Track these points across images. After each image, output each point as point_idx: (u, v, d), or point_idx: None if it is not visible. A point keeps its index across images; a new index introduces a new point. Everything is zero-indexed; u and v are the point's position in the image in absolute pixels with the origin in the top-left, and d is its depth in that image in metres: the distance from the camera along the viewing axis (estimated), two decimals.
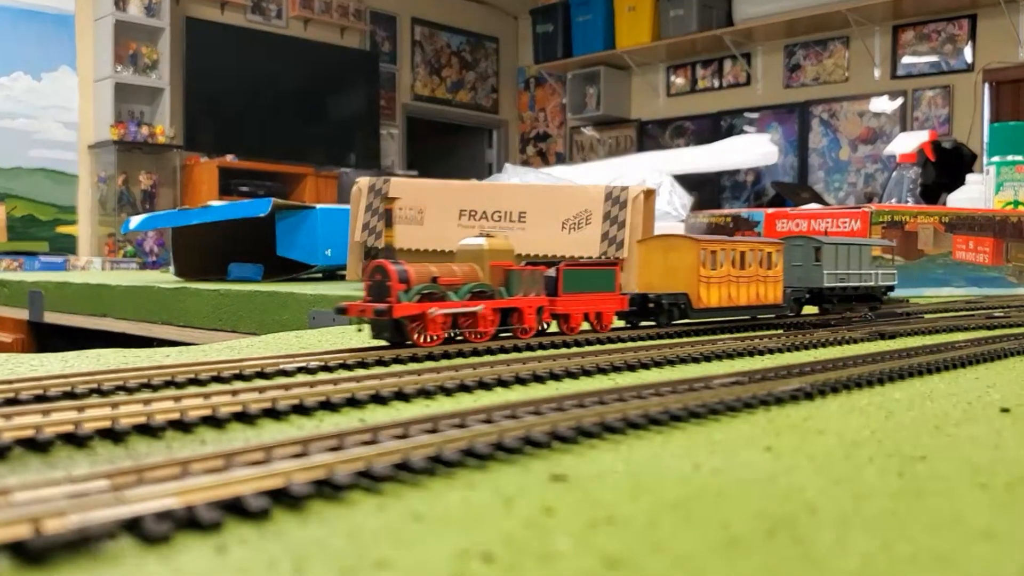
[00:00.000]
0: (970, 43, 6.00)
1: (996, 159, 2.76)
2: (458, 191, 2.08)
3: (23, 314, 2.67)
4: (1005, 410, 0.71)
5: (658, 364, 0.94)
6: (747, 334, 1.23)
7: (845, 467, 0.52)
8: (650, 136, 7.70)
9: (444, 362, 0.94)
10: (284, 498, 0.43)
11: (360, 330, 1.04)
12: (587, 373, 0.87)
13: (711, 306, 1.27)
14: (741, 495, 0.46)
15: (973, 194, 2.90)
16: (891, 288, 1.63)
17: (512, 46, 8.85)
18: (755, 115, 7.10)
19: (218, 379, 0.79)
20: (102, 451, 0.55)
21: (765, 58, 7.02)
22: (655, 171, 3.39)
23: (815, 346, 1.13)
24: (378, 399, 0.71)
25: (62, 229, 6.12)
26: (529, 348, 1.04)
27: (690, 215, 2.90)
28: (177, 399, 0.64)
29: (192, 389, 0.75)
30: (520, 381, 0.82)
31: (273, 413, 0.65)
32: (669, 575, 0.35)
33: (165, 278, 2.67)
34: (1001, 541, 0.40)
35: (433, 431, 0.54)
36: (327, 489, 0.45)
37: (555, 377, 0.84)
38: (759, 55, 7.05)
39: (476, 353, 0.99)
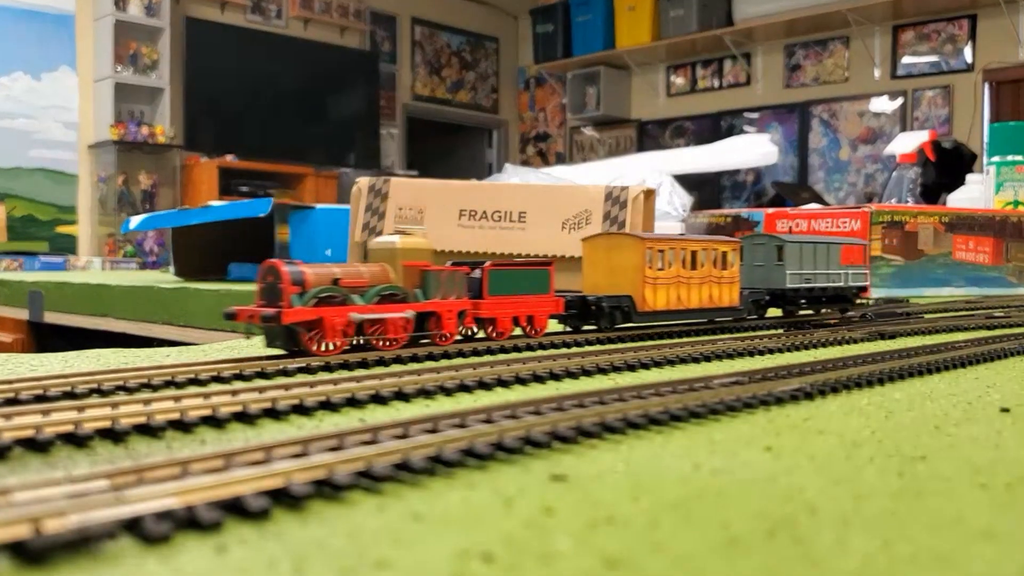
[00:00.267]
0: (970, 43, 6.00)
1: (996, 159, 2.76)
2: (458, 191, 2.08)
3: (23, 314, 2.67)
4: (1005, 410, 0.71)
5: (658, 364, 0.94)
6: (747, 334, 1.23)
7: (845, 467, 0.52)
8: (650, 136, 7.70)
9: (444, 362, 0.94)
10: (284, 498, 0.43)
11: (248, 337, 0.99)
12: (587, 373, 0.87)
13: (658, 309, 1.20)
14: (741, 495, 0.46)
15: (973, 194, 2.90)
16: (863, 289, 1.56)
17: (512, 46, 8.85)
18: (755, 115, 7.10)
19: (218, 379, 0.79)
20: (102, 451, 0.55)
21: (765, 58, 7.02)
22: (655, 171, 3.39)
23: (815, 346, 1.13)
24: (378, 399, 0.71)
25: (62, 229, 6.12)
26: (529, 348, 1.04)
27: (690, 215, 2.90)
28: (177, 399, 0.64)
29: (192, 389, 0.75)
30: (520, 381, 0.82)
31: (273, 413, 0.65)
32: (669, 575, 0.35)
33: (165, 278, 2.67)
34: (1001, 541, 0.40)
35: (433, 431, 0.54)
36: (327, 489, 0.45)
37: (555, 377, 0.84)
38: (759, 55, 7.05)
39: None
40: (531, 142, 8.80)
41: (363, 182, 2.15)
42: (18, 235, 5.95)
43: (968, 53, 6.01)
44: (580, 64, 7.82)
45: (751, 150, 4.28)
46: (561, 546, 0.38)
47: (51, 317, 2.55)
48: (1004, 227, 2.28)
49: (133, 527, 0.38)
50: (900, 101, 6.34)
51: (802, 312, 1.48)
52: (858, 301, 1.56)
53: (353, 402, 0.69)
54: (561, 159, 8.25)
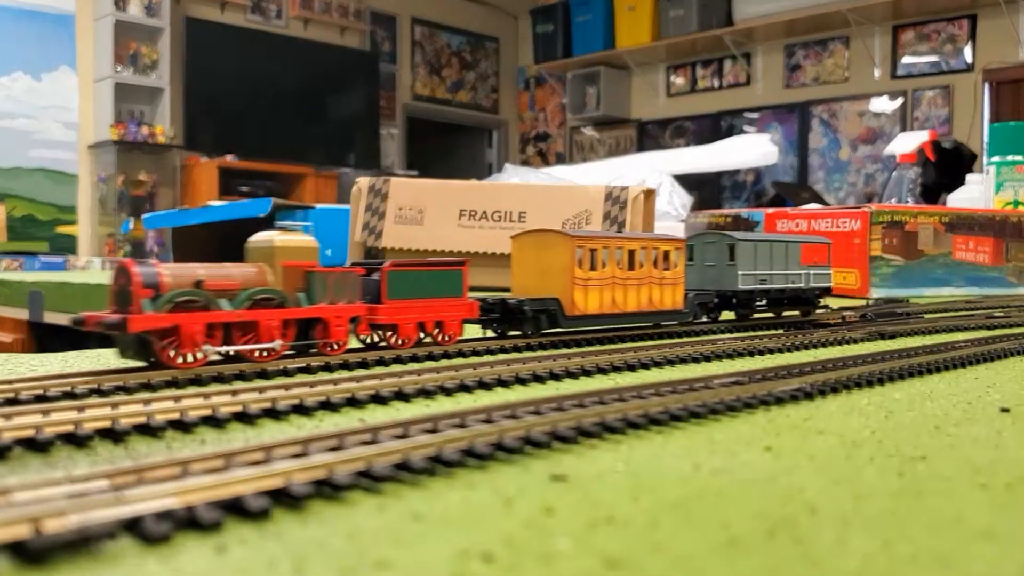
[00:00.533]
0: (970, 43, 6.00)
1: (996, 159, 2.76)
2: (458, 191, 2.09)
3: (23, 314, 2.67)
4: (1005, 410, 0.71)
5: (658, 364, 0.94)
6: (747, 334, 1.23)
7: (845, 467, 0.52)
8: (650, 136, 7.70)
9: (444, 362, 0.94)
10: (284, 498, 0.43)
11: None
12: (587, 373, 0.87)
13: (589, 313, 1.11)
14: (741, 495, 0.46)
15: (973, 194, 2.90)
16: (826, 291, 1.47)
17: (512, 46, 8.85)
18: (755, 115, 7.10)
19: (218, 379, 0.79)
20: (102, 451, 0.55)
21: (765, 58, 7.02)
22: (655, 171, 3.39)
23: (815, 346, 1.13)
24: (378, 399, 0.71)
25: (62, 229, 6.12)
26: (529, 348, 1.04)
27: (690, 215, 2.90)
28: (177, 399, 0.64)
29: (192, 389, 0.75)
30: (520, 381, 0.82)
31: (273, 413, 0.65)
32: (669, 575, 0.35)
33: None
34: (1001, 541, 0.40)
35: (433, 431, 0.54)
36: (327, 489, 0.45)
37: (555, 377, 0.84)
38: (759, 55, 7.05)
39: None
40: (531, 142, 8.80)
41: (363, 182, 2.15)
42: (18, 235, 5.95)
43: (968, 53, 6.01)
44: (580, 64, 7.82)
45: (751, 150, 4.28)
46: (561, 546, 0.38)
47: (51, 317, 2.55)
48: (1004, 227, 2.28)
49: (133, 527, 0.38)
50: (900, 101, 6.34)
51: (757, 316, 1.40)
52: (820, 303, 1.48)
53: (353, 402, 0.69)
54: (561, 159, 8.26)
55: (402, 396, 0.73)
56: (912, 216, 2.16)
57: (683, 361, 0.97)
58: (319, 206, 2.50)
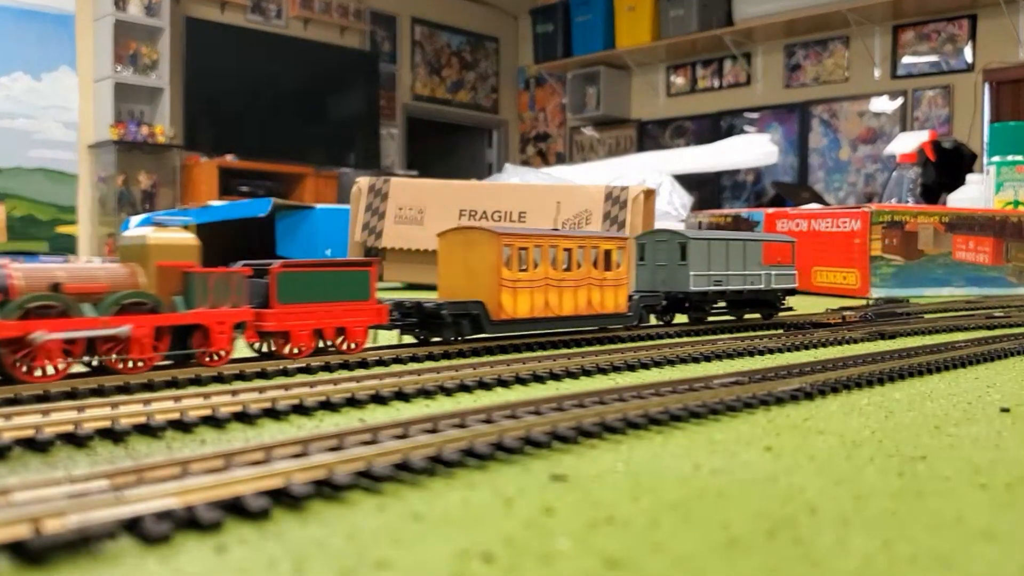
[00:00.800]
0: (970, 43, 5.99)
1: (996, 159, 2.76)
2: (458, 191, 2.08)
3: None
4: (1005, 410, 0.71)
5: (658, 364, 0.94)
6: (747, 334, 1.23)
7: (845, 467, 0.52)
8: (650, 136, 7.70)
9: (444, 362, 0.94)
10: (284, 498, 0.43)
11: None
12: (587, 373, 0.87)
13: (518, 317, 1.03)
14: (741, 495, 0.46)
15: (973, 194, 2.90)
16: (790, 292, 1.41)
17: (512, 46, 8.84)
18: (755, 115, 7.10)
19: (218, 379, 0.79)
20: (102, 451, 0.55)
21: (765, 58, 7.02)
22: (655, 171, 3.39)
23: (815, 346, 1.13)
24: (378, 399, 0.71)
25: (62, 229, 6.12)
26: (529, 348, 1.04)
27: (690, 215, 2.90)
28: (177, 399, 0.64)
29: (192, 389, 0.75)
30: (520, 381, 0.82)
31: (273, 413, 0.65)
32: (669, 575, 0.35)
33: None
34: (1001, 541, 0.40)
35: (433, 431, 0.54)
36: (327, 489, 0.45)
37: (555, 377, 0.84)
38: (759, 55, 7.05)
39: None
40: (531, 142, 8.80)
41: (363, 182, 2.15)
42: (18, 235, 5.95)
43: (968, 53, 6.01)
44: (580, 64, 7.82)
45: (751, 150, 4.28)
46: (561, 546, 0.38)
47: None
48: (1004, 227, 2.28)
49: (133, 527, 0.38)
50: (900, 101, 6.34)
51: (715, 319, 1.33)
52: (783, 305, 1.40)
53: (353, 402, 0.69)
54: (561, 159, 8.25)
55: (402, 396, 0.73)
56: (912, 216, 2.16)
57: (683, 361, 0.97)
58: (319, 206, 2.50)
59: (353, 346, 0.91)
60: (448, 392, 0.75)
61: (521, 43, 8.80)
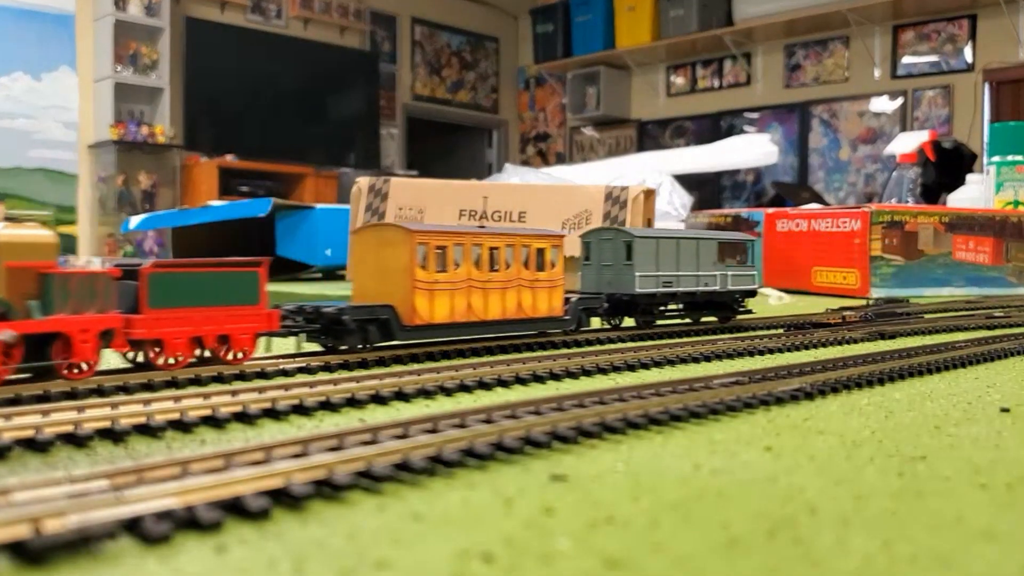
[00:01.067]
0: (970, 43, 5.99)
1: (996, 159, 2.76)
2: (458, 191, 2.08)
3: None
4: (1005, 410, 0.71)
5: (658, 364, 0.94)
6: (747, 334, 1.23)
7: (845, 467, 0.52)
8: (650, 136, 7.70)
9: (444, 362, 0.94)
10: (284, 498, 0.43)
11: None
12: (587, 373, 0.87)
13: (435, 322, 0.95)
14: (741, 495, 0.46)
15: (973, 194, 2.90)
16: (750, 293, 1.33)
17: (512, 46, 8.84)
18: (755, 115, 7.10)
19: (218, 379, 0.79)
20: (102, 451, 0.55)
21: (765, 58, 7.02)
22: (655, 171, 3.39)
23: (815, 346, 1.13)
24: (378, 399, 0.71)
25: (62, 229, 6.12)
26: (528, 348, 1.04)
27: (690, 215, 2.90)
28: (177, 399, 0.64)
29: (192, 389, 0.75)
30: (520, 381, 0.82)
31: (273, 413, 0.65)
32: (669, 575, 0.35)
33: None
34: (1002, 541, 0.40)
35: (433, 431, 0.54)
36: (327, 489, 0.45)
37: (555, 377, 0.84)
38: (759, 55, 7.05)
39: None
40: (531, 142, 8.80)
41: (363, 182, 2.15)
42: None
43: (968, 53, 6.01)
44: (580, 64, 7.82)
45: (751, 150, 4.28)
46: (561, 546, 0.38)
47: None
48: (1004, 227, 2.28)
49: (133, 527, 0.38)
50: (900, 101, 6.34)
51: (667, 322, 1.26)
52: (743, 307, 1.33)
53: (353, 402, 0.69)
54: (561, 159, 8.25)
55: (402, 396, 0.73)
56: (912, 216, 2.16)
57: (683, 361, 0.97)
58: (319, 206, 2.50)
59: (239, 356, 0.82)
60: (448, 392, 0.75)
61: (521, 43, 8.80)
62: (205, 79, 6.45)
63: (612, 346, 1.09)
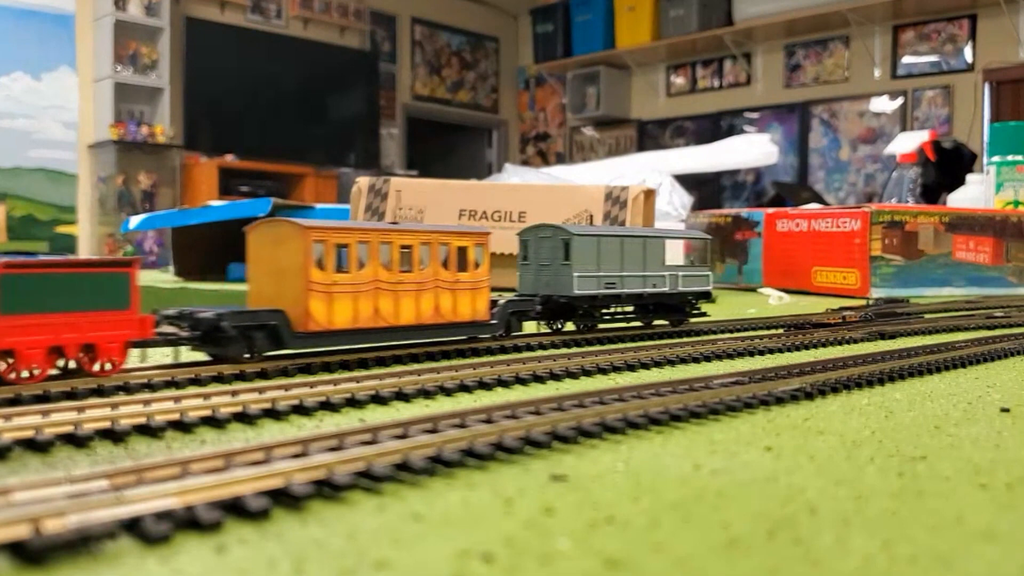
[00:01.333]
0: (970, 43, 6.00)
1: (996, 159, 2.76)
2: (458, 191, 2.09)
3: None
4: (1005, 410, 0.71)
5: (658, 364, 0.94)
6: (747, 334, 1.23)
7: (845, 467, 0.52)
8: (650, 136, 7.70)
9: (444, 362, 0.94)
10: (284, 498, 0.43)
11: None
12: (587, 373, 0.87)
13: (334, 328, 0.86)
14: (741, 495, 0.46)
15: (973, 194, 2.90)
16: (704, 296, 1.25)
17: (512, 46, 8.84)
18: (755, 115, 7.10)
19: (218, 379, 0.79)
20: (102, 451, 0.55)
21: (765, 58, 7.02)
22: (655, 171, 3.39)
23: (815, 346, 1.13)
24: (378, 399, 0.71)
25: (62, 229, 6.12)
26: (529, 348, 1.04)
27: (690, 215, 2.90)
28: (177, 399, 0.64)
29: (192, 389, 0.75)
30: (520, 381, 0.82)
31: (273, 413, 0.65)
32: (669, 575, 0.35)
33: (165, 278, 2.67)
34: (1002, 541, 0.40)
35: (433, 431, 0.54)
36: (327, 489, 0.45)
37: (555, 377, 0.84)
38: (759, 55, 7.05)
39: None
40: (531, 142, 8.80)
41: (363, 182, 2.15)
42: (18, 235, 5.95)
43: (968, 53, 6.01)
44: (580, 64, 7.82)
45: (751, 150, 4.28)
46: (561, 546, 0.38)
47: None
48: (1004, 227, 2.28)
49: (133, 527, 0.38)
50: (900, 101, 6.34)
51: (612, 327, 1.19)
52: (697, 310, 1.26)
53: (353, 402, 0.69)
54: (561, 159, 8.25)
55: (402, 396, 0.73)
56: (912, 216, 2.16)
57: (683, 361, 0.97)
58: (319, 206, 2.50)
59: (108, 367, 0.73)
60: (448, 392, 0.75)
61: (521, 43, 8.80)
62: (205, 79, 6.45)
63: (613, 346, 1.09)
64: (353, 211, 2.13)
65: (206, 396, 0.66)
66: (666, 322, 1.25)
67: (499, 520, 0.41)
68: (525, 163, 8.14)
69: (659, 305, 1.22)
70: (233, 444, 0.52)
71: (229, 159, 6.37)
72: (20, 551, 0.35)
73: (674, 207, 3.23)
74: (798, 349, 1.10)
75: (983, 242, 2.24)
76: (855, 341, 1.20)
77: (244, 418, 0.63)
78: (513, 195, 2.04)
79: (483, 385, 0.78)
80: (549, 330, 1.15)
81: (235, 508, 0.41)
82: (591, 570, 0.35)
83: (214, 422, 0.62)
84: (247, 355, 0.82)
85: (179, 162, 6.41)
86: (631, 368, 0.91)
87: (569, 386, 0.81)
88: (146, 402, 0.62)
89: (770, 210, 2.45)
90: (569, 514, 0.42)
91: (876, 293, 2.07)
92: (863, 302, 1.86)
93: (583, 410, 0.61)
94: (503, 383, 0.80)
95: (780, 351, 1.07)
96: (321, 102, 6.98)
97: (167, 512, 0.39)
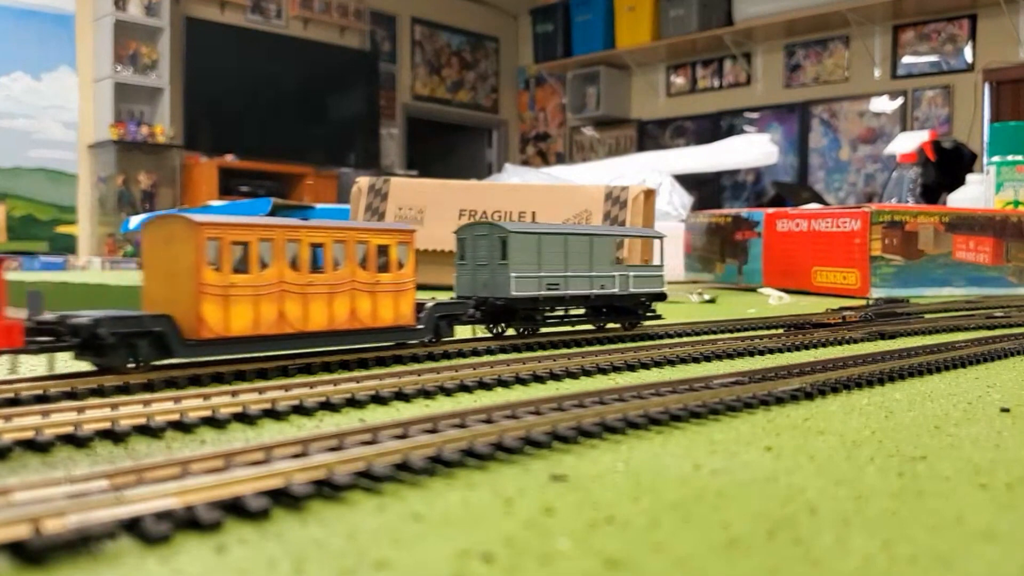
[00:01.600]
0: (970, 43, 6.00)
1: (996, 159, 2.76)
2: (458, 191, 2.09)
3: (22, 314, 2.66)
4: (1005, 410, 0.71)
5: (658, 364, 0.94)
6: (747, 334, 1.23)
7: (845, 467, 0.52)
8: (650, 136, 7.70)
9: (444, 362, 0.94)
10: (284, 498, 0.43)
11: None
12: (587, 373, 0.87)
13: (231, 335, 0.78)
14: (741, 495, 0.46)
15: (973, 194, 2.90)
16: (658, 297, 1.19)
17: (512, 46, 8.85)
18: (755, 115, 7.10)
19: (218, 379, 0.79)
20: (102, 451, 0.55)
21: (765, 58, 7.02)
22: (655, 171, 3.39)
23: (815, 346, 1.13)
24: (378, 399, 0.71)
25: (62, 229, 6.12)
26: (529, 348, 1.04)
27: (690, 215, 2.90)
28: (177, 399, 0.64)
29: (192, 389, 0.75)
30: (520, 381, 0.82)
31: (273, 414, 0.65)
32: (669, 575, 0.35)
33: None
34: (1002, 541, 0.40)
35: (433, 431, 0.54)
36: (327, 489, 0.45)
37: (555, 377, 0.84)
38: (759, 55, 7.05)
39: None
40: (531, 142, 8.80)
41: (363, 182, 2.15)
42: (18, 235, 5.95)
43: (968, 53, 6.01)
44: (580, 64, 7.82)
45: (751, 150, 4.28)
46: (561, 546, 0.38)
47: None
48: (1004, 227, 2.29)
49: (133, 527, 0.38)
50: (900, 101, 6.34)
51: (548, 330, 1.12)
52: (651, 312, 1.20)
53: (353, 402, 0.69)
54: (561, 159, 8.26)
55: (402, 396, 0.73)
56: (912, 216, 2.16)
57: (683, 361, 0.97)
58: (319, 206, 2.50)
59: None
60: (448, 392, 0.75)
61: (521, 43, 8.80)
62: (205, 79, 6.45)
63: (613, 347, 1.09)
64: (353, 211, 2.13)
65: (206, 396, 0.66)
66: (618, 325, 1.19)
67: (499, 520, 0.41)
68: (525, 163, 8.14)
69: (609, 307, 1.16)
70: (233, 444, 0.52)
71: (229, 159, 6.37)
72: (20, 551, 0.35)
73: (674, 207, 3.23)
74: (798, 349, 1.10)
75: (983, 242, 2.25)
76: (855, 341, 1.20)
77: (244, 418, 0.63)
78: (513, 195, 2.04)
79: (483, 385, 0.78)
80: (489, 334, 1.08)
81: (235, 508, 0.41)
82: (591, 570, 0.35)
83: (214, 422, 0.62)
84: (131, 364, 0.75)
85: (179, 162, 6.41)
86: (631, 368, 0.91)
87: (569, 386, 0.81)
88: (146, 402, 0.62)
89: (770, 210, 2.45)
90: (569, 514, 0.42)
91: (876, 293, 2.07)
92: (863, 302, 1.86)
93: (583, 410, 0.61)
94: (503, 383, 0.80)
95: (780, 351, 1.07)
96: (321, 102, 6.98)
97: (167, 512, 0.39)
